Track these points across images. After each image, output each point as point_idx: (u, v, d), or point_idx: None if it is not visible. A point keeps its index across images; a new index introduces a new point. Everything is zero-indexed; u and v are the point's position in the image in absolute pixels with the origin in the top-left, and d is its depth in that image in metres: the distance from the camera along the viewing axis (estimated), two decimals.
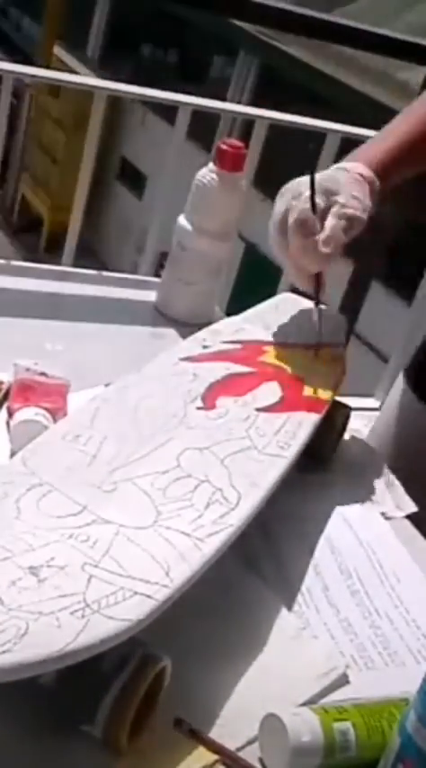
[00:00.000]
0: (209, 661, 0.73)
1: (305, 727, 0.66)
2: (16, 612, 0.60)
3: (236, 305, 1.15)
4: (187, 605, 0.67)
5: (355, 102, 6.79)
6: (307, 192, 0.95)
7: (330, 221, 0.95)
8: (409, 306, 2.30)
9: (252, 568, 0.83)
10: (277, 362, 0.99)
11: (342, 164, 1.02)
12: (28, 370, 0.95)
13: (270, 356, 1.00)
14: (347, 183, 0.97)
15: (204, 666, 0.72)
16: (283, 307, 1.09)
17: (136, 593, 0.64)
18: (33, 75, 1.80)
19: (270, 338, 1.03)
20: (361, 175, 0.99)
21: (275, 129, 1.94)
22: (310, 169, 0.95)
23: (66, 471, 0.76)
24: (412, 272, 2.43)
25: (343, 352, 1.04)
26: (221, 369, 0.94)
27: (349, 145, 2.02)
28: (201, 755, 0.65)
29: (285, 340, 1.03)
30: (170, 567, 0.67)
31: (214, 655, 0.74)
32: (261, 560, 0.85)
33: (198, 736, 0.66)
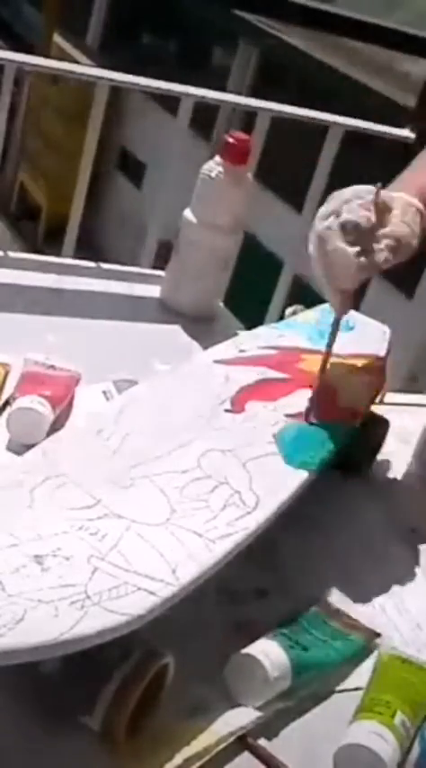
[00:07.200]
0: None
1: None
2: (16, 599, 0.60)
3: (235, 297, 1.13)
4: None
5: (356, 94, 6.67)
6: (368, 197, 0.88)
7: (383, 240, 0.88)
8: (409, 299, 2.25)
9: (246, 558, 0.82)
10: (314, 370, 0.97)
11: (390, 191, 0.94)
12: (37, 363, 0.95)
13: (307, 364, 0.99)
14: (400, 206, 0.91)
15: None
16: (326, 316, 1.08)
17: (139, 588, 0.64)
18: (37, 66, 1.80)
19: (310, 346, 1.02)
20: (411, 204, 0.91)
21: (276, 119, 1.92)
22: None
23: (84, 465, 0.76)
24: (412, 266, 2.37)
25: (384, 364, 1.03)
26: (255, 373, 0.94)
27: (351, 136, 1.95)
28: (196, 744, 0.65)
29: (325, 349, 1.02)
30: (177, 565, 0.67)
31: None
32: (252, 546, 0.83)
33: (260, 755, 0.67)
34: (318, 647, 0.74)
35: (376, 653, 0.77)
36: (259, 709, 0.68)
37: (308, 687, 0.71)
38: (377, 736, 0.67)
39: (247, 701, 0.68)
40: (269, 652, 0.69)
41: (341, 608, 0.80)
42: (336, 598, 0.82)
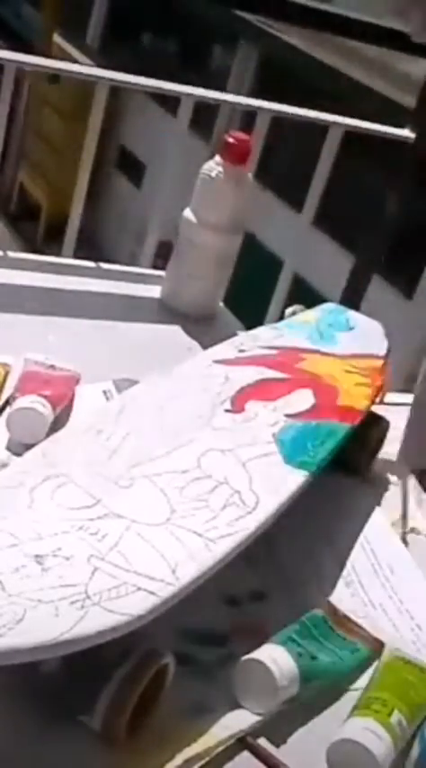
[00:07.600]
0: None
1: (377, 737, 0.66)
2: (16, 598, 0.60)
3: (235, 297, 1.13)
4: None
5: (356, 94, 6.66)
6: None
7: None
8: (409, 299, 2.24)
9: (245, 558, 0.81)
10: (314, 370, 0.98)
11: None
12: (37, 362, 0.95)
13: (307, 363, 0.99)
14: None
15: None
16: (326, 315, 1.09)
17: (139, 588, 0.64)
18: (37, 66, 1.80)
19: (310, 346, 1.02)
20: None
21: (276, 119, 1.92)
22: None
23: (84, 465, 0.76)
24: (412, 266, 2.36)
25: (384, 364, 1.03)
26: (255, 373, 0.94)
27: (351, 136, 1.94)
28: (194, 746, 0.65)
29: (324, 348, 1.02)
30: (177, 565, 0.67)
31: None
32: (253, 549, 0.83)
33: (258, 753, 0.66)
34: (326, 656, 0.73)
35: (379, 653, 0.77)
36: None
37: (313, 692, 0.71)
38: (371, 733, 0.66)
39: (253, 708, 0.68)
40: (277, 659, 0.69)
41: (345, 613, 0.79)
42: (336, 598, 0.82)
